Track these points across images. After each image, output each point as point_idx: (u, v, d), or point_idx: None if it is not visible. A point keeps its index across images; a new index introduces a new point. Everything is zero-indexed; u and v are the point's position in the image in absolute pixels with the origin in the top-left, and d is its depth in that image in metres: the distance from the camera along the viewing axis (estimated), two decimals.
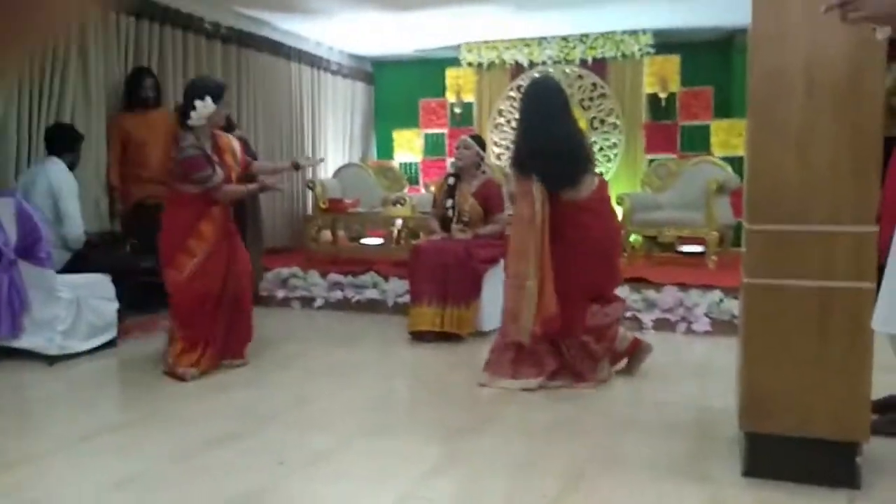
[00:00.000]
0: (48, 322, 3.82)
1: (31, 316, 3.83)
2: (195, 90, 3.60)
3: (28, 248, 3.78)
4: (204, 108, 3.52)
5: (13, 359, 3.82)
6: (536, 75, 6.32)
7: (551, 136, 3.41)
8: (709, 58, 7.38)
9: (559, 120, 3.48)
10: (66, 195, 4.07)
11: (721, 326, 4.63)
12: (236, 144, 3.83)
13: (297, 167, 4.26)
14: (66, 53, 4.78)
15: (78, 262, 4.12)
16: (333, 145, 8.25)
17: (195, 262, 3.60)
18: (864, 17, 1.67)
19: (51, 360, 3.80)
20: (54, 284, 3.84)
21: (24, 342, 3.83)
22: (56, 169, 4.10)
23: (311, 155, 7.53)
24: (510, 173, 3.47)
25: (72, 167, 4.23)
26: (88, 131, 4.78)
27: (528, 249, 3.31)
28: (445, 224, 4.80)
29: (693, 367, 4.01)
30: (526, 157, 3.40)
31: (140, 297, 4.97)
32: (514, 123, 6.77)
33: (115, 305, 4.14)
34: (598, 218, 3.50)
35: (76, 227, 4.10)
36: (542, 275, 3.30)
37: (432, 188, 6.27)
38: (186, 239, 3.62)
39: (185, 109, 3.59)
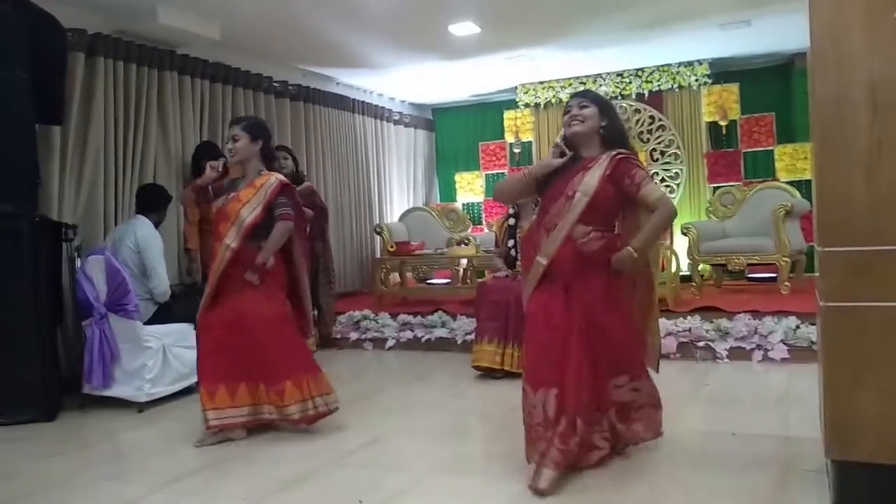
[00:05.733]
0: (137, 371, 4.03)
1: (121, 366, 4.05)
2: None
3: (117, 301, 4.01)
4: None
5: (105, 406, 4.04)
6: None
7: None
8: (768, 84, 7.29)
9: None
10: (152, 252, 4.27)
11: (799, 353, 4.50)
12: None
13: None
14: (148, 118, 5.10)
15: (163, 313, 4.32)
16: (398, 191, 8.48)
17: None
18: None
19: (140, 406, 3.99)
20: (141, 335, 4.04)
21: (114, 391, 4.04)
22: (142, 227, 4.33)
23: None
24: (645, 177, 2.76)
25: (157, 225, 4.45)
26: (169, 191, 5.03)
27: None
28: (511, 263, 4.84)
29: (772, 395, 3.91)
30: None
31: None
32: None
33: None
34: None
35: (162, 281, 4.30)
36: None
37: (494, 228, 6.35)
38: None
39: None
